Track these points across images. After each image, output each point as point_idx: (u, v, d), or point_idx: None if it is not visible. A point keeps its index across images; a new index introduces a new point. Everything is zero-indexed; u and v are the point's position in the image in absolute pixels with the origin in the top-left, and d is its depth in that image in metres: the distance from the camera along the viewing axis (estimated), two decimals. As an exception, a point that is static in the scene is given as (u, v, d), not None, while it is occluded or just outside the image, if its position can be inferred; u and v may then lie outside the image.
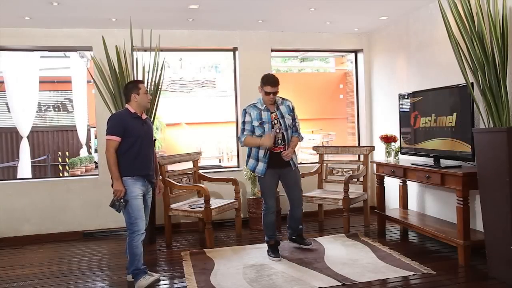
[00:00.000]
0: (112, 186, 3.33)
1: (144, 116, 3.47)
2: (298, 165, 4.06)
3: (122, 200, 3.26)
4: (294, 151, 3.97)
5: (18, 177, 7.04)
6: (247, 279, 3.39)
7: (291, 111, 3.90)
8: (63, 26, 4.84)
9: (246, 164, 3.98)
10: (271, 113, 3.82)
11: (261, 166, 3.81)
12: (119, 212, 3.31)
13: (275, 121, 3.81)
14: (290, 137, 3.87)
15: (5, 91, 7.07)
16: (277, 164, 3.83)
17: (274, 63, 7.37)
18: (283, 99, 3.94)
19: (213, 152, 10.07)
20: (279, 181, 3.98)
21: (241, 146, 4.00)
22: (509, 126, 3.11)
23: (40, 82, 7.11)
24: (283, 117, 3.83)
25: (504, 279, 3.17)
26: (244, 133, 3.83)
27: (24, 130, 6.88)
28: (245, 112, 3.87)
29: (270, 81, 3.73)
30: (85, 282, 3.54)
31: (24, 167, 7.01)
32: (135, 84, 3.43)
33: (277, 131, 3.80)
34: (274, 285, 3.25)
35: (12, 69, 6.68)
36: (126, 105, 3.42)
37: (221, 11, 4.47)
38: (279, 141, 3.82)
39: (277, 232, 4.06)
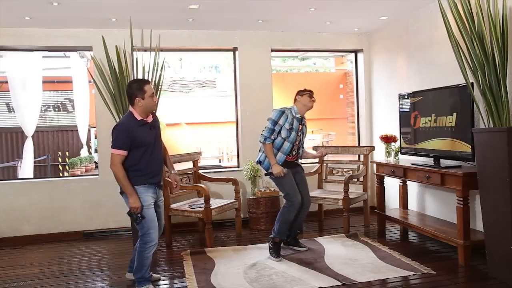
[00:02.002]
0: (120, 193, 3.18)
1: (150, 119, 3.20)
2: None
3: (139, 215, 3.07)
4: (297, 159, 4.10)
5: (20, 176, 7.08)
6: (248, 279, 3.39)
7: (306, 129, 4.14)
8: (63, 26, 4.84)
9: (258, 162, 4.04)
10: (300, 124, 3.96)
11: (281, 157, 3.89)
12: (136, 224, 3.14)
13: (299, 133, 3.97)
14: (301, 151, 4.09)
15: (7, 91, 7.11)
16: (289, 166, 3.94)
17: (274, 63, 7.36)
18: (303, 117, 4.06)
19: (213, 152, 10.07)
20: None
21: (259, 141, 3.93)
22: (509, 126, 3.12)
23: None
24: (304, 134, 4.04)
25: (504, 279, 3.17)
26: (272, 136, 3.84)
27: (29, 130, 6.94)
28: (282, 113, 3.86)
29: (310, 90, 4.00)
30: (85, 282, 3.54)
31: (27, 166, 7.05)
32: (140, 86, 3.11)
33: (297, 142, 3.94)
34: (275, 285, 3.25)
35: (16, 69, 6.74)
36: (131, 109, 3.15)
37: (221, 11, 4.47)
38: (294, 152, 3.95)
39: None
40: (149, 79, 4.65)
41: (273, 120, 3.85)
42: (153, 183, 3.18)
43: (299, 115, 3.94)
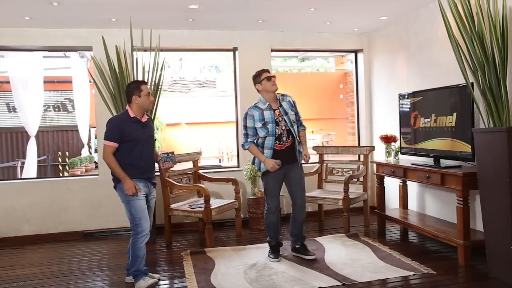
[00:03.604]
0: (114, 187, 3.33)
1: (144, 119, 3.37)
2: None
3: (169, 156, 3.58)
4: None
5: (23, 176, 7.11)
6: (248, 279, 3.39)
7: (293, 106, 3.82)
8: (63, 26, 4.84)
9: (253, 163, 3.93)
10: (274, 110, 3.72)
11: (268, 153, 3.70)
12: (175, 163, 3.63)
13: (280, 118, 3.71)
14: (297, 131, 3.79)
15: (7, 91, 7.14)
16: (283, 158, 3.69)
17: (274, 63, 7.36)
18: (282, 95, 3.84)
19: (213, 152, 10.07)
20: (284, 181, 3.86)
21: (244, 150, 3.91)
22: (509, 126, 3.12)
23: (41, 82, 7.17)
24: (286, 113, 3.73)
25: (504, 279, 3.17)
26: (248, 139, 3.75)
27: (32, 130, 6.99)
28: (246, 115, 3.73)
29: (264, 69, 3.76)
30: (85, 282, 3.54)
31: (31, 166, 7.08)
32: (137, 85, 3.33)
33: (283, 128, 3.70)
34: (275, 285, 3.26)
35: (18, 69, 6.78)
36: (127, 107, 3.35)
37: (221, 11, 4.47)
38: (284, 138, 3.71)
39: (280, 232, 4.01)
40: (149, 79, 4.68)
41: (244, 126, 3.76)
42: (144, 178, 3.33)
43: (268, 103, 3.73)
